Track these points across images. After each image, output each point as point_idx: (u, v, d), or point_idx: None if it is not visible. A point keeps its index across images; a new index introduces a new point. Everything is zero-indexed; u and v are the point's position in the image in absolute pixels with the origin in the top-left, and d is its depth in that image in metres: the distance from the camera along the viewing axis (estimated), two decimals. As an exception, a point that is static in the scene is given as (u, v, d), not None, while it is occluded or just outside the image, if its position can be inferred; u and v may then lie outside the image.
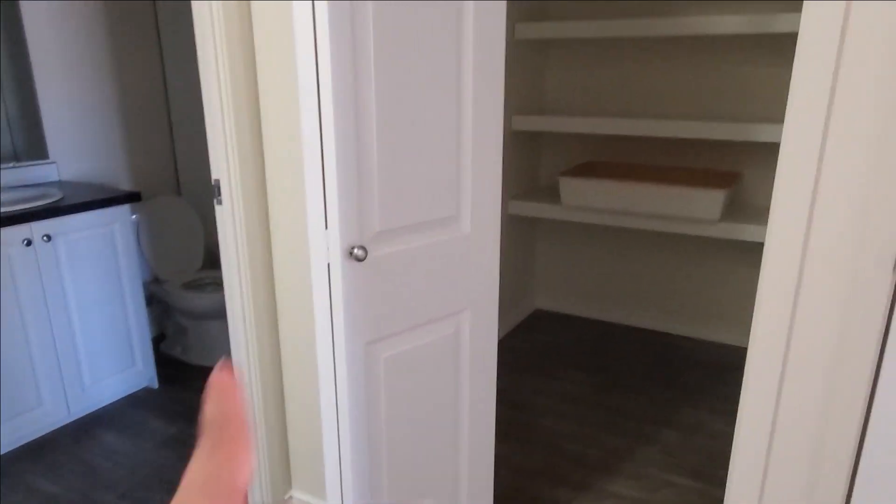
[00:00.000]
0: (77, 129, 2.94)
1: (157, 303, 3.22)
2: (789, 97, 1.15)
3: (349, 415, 1.49)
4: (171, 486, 2.23)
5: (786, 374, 1.28)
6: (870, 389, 1.21)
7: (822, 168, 1.15)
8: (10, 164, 2.69)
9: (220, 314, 2.90)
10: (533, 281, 3.76)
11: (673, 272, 3.39)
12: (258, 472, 2.04)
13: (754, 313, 1.28)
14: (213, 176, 1.79)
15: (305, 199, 1.41)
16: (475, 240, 1.64)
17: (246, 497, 0.24)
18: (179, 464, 2.35)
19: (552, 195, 3.32)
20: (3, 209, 2.29)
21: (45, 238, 2.35)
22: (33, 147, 2.80)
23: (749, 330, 3.25)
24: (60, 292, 2.45)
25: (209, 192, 3.36)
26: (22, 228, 2.28)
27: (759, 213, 2.89)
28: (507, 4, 2.99)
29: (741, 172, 3.04)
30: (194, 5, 1.66)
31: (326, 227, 1.39)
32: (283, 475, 2.05)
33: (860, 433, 1.24)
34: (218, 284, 3.00)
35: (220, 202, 1.80)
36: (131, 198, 2.64)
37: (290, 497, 2.08)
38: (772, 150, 2.97)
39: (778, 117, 2.87)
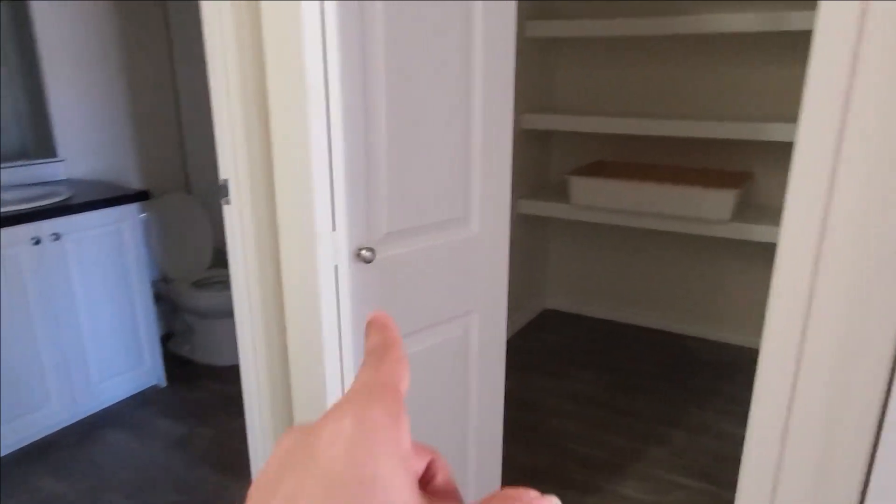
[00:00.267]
0: (86, 127, 2.94)
1: (165, 301, 3.23)
2: (804, 95, 1.13)
3: (356, 417, 1.48)
4: (179, 485, 2.23)
5: (799, 376, 1.26)
6: (885, 391, 1.19)
7: (837, 167, 1.13)
8: (19, 162, 2.70)
9: (228, 313, 2.89)
10: (542, 280, 3.75)
11: (682, 272, 3.37)
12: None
13: (766, 314, 1.26)
14: (221, 176, 1.78)
15: (313, 200, 1.40)
16: (484, 241, 1.62)
17: (403, 407, 0.26)
18: (187, 463, 2.35)
19: (562, 194, 3.30)
20: (11, 207, 2.30)
21: (53, 237, 2.36)
22: (42, 145, 2.81)
23: (759, 331, 3.21)
24: (68, 291, 2.45)
25: (218, 191, 3.36)
26: (30, 227, 2.29)
27: (771, 214, 2.86)
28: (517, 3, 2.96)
29: (752, 172, 3.01)
30: (203, 5, 1.65)
31: (334, 229, 1.38)
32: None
33: (874, 436, 1.22)
34: (226, 283, 3.00)
35: (227, 202, 1.79)
36: (140, 196, 2.64)
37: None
38: (783, 149, 2.94)
39: (790, 116, 2.84)
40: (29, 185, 2.70)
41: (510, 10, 1.50)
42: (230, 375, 2.86)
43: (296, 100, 1.66)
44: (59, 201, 2.42)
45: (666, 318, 3.46)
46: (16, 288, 2.28)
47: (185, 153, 3.41)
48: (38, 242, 2.31)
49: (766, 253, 3.11)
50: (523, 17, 3.06)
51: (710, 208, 2.73)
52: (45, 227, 2.33)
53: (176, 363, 3.09)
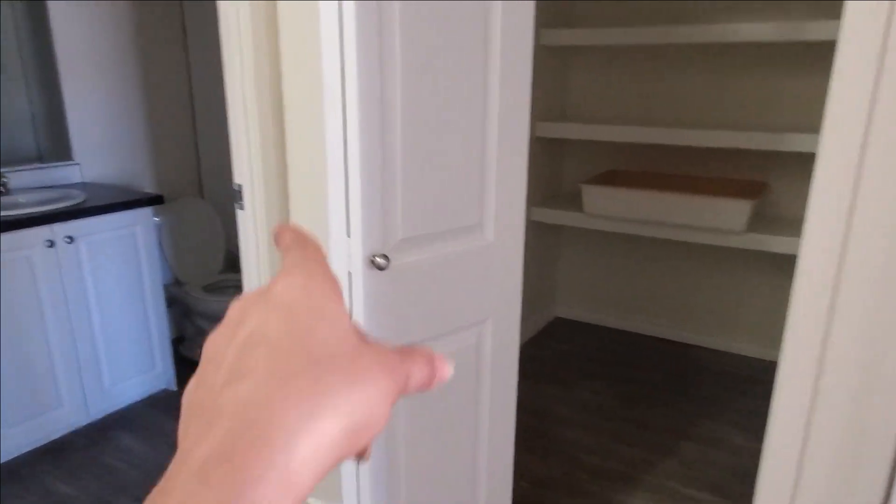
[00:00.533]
0: (101, 131, 2.96)
1: (177, 305, 3.24)
2: (827, 104, 1.11)
3: (368, 424, 1.47)
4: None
5: (818, 389, 1.24)
6: (906, 411, 1.17)
7: (860, 179, 1.11)
8: (35, 165, 2.72)
9: (238, 317, 2.90)
10: (554, 288, 3.73)
11: (695, 282, 3.34)
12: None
13: (786, 326, 1.25)
14: (236, 181, 1.78)
15: (327, 206, 1.40)
16: (499, 248, 1.61)
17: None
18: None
19: (575, 202, 3.29)
20: (26, 210, 2.31)
21: (67, 239, 2.37)
22: (57, 148, 2.83)
23: (773, 342, 3.20)
24: (82, 294, 2.46)
25: (231, 195, 3.37)
26: (44, 230, 2.30)
27: (785, 224, 2.83)
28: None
29: (767, 182, 2.99)
30: (220, 6, 1.65)
31: (348, 235, 1.38)
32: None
33: None
34: (238, 288, 3.01)
35: (241, 207, 1.80)
36: (154, 200, 2.65)
37: (307, 503, 2.07)
38: (798, 159, 2.91)
39: (805, 126, 2.82)
40: (44, 187, 2.72)
41: (528, 17, 1.50)
42: (240, 380, 2.86)
43: (311, 106, 1.66)
44: (74, 204, 2.44)
45: (678, 328, 3.43)
46: (29, 290, 2.29)
47: (199, 157, 3.43)
48: (52, 245, 2.32)
49: (781, 263, 3.08)
50: (538, 25, 3.05)
51: (725, 218, 2.71)
52: (59, 229, 2.34)
53: (187, 367, 3.10)
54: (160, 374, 2.83)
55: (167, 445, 2.49)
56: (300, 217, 1.78)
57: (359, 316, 1.39)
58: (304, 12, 1.61)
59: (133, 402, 2.77)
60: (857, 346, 1.18)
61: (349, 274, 1.39)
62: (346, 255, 1.39)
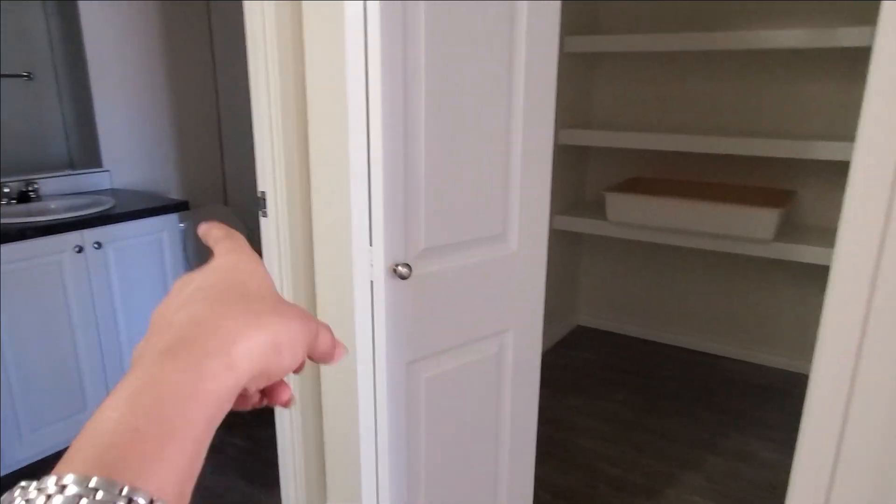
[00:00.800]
0: (130, 139, 3.01)
1: (201, 310, 3.26)
2: (862, 112, 1.09)
3: (388, 434, 1.47)
4: (205, 492, 2.24)
5: (851, 404, 1.21)
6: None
7: None
8: (66, 172, 2.77)
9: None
10: (576, 296, 3.70)
11: (721, 291, 3.29)
12: (294, 483, 2.03)
13: (818, 338, 1.21)
14: (259, 188, 1.80)
15: (350, 215, 1.40)
16: (522, 258, 1.60)
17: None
18: (214, 471, 2.36)
19: (598, 210, 3.26)
20: (56, 216, 2.35)
21: (95, 245, 2.40)
22: (88, 155, 2.88)
23: (802, 353, 3.13)
24: (108, 298, 2.49)
25: (255, 202, 3.40)
26: (74, 235, 2.34)
27: (814, 234, 2.78)
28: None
29: (795, 191, 2.94)
30: (246, 14, 1.67)
31: (371, 244, 1.37)
32: (319, 486, 2.04)
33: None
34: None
35: (265, 214, 1.81)
36: (179, 206, 2.69)
37: (327, 511, 2.06)
38: (828, 168, 2.86)
39: (834, 134, 2.76)
40: (74, 194, 2.76)
41: (553, 24, 1.49)
42: (262, 385, 2.87)
43: (335, 115, 1.67)
44: (103, 210, 2.48)
45: (702, 339, 3.38)
46: (58, 295, 2.32)
47: (224, 164, 3.46)
48: (80, 250, 2.36)
49: (809, 273, 3.02)
50: (562, 33, 3.04)
51: (752, 227, 2.66)
52: (88, 235, 2.38)
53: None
54: (184, 379, 2.85)
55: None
56: (323, 225, 1.79)
57: (380, 325, 1.39)
58: (328, 15, 1.62)
59: (157, 406, 2.79)
60: (892, 360, 1.15)
61: (371, 283, 1.39)
62: (368, 264, 1.39)
